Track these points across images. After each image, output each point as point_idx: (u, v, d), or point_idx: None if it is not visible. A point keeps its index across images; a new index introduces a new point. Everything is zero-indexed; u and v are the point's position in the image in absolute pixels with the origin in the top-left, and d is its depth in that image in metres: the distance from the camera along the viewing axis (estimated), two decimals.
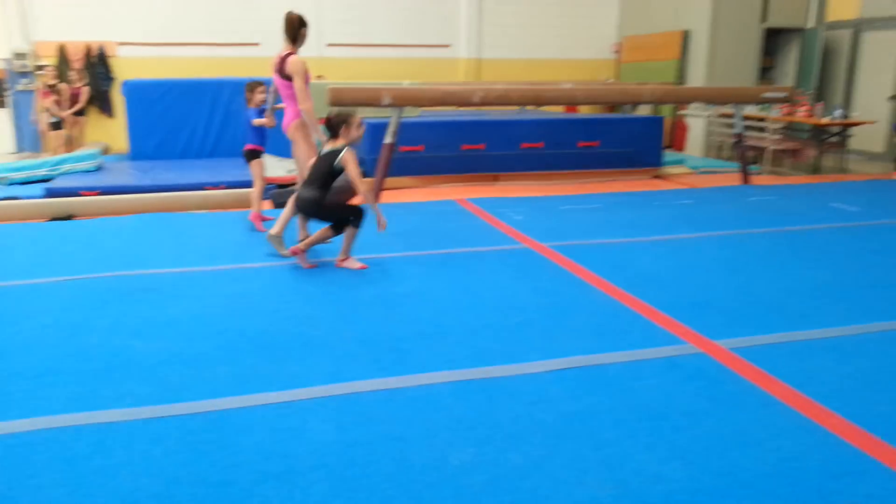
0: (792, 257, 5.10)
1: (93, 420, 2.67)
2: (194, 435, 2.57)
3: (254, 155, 6.00)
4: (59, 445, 2.50)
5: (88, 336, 3.52)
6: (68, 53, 12.12)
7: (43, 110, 10.40)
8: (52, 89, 10.34)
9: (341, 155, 4.53)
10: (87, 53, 12.19)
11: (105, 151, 10.17)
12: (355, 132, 4.65)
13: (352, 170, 4.52)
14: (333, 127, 4.65)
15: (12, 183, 7.70)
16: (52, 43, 12.07)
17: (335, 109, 4.86)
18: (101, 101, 12.40)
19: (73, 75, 10.96)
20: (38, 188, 7.27)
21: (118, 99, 11.88)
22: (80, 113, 10.75)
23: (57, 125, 10.36)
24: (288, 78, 5.16)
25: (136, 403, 2.81)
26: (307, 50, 14.18)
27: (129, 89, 9.55)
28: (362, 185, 4.57)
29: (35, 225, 6.22)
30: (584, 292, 4.25)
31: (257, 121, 5.87)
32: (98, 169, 8.27)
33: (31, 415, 2.72)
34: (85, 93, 10.80)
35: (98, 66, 12.26)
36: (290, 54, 5.18)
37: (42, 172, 7.89)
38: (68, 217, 6.52)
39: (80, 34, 12.13)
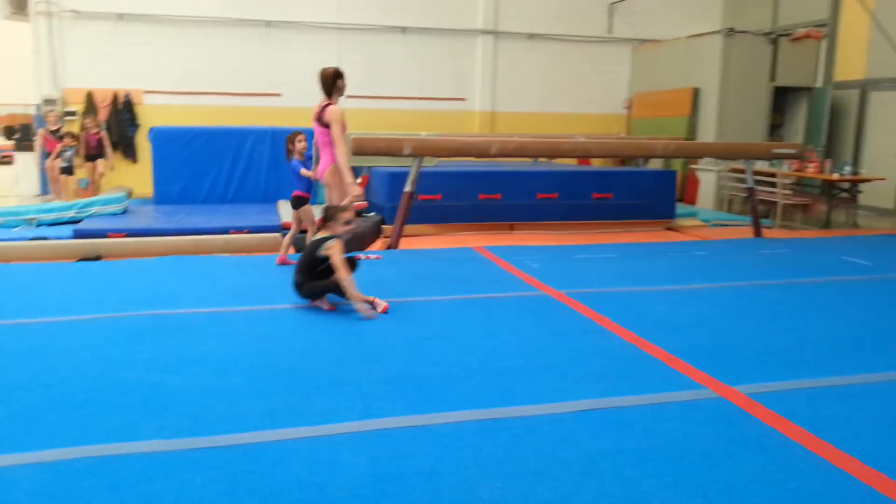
0: (806, 308, 5.20)
1: (136, 450, 2.78)
2: (233, 465, 2.68)
3: (301, 202, 6.26)
4: (105, 473, 2.61)
5: (124, 371, 3.65)
6: (96, 100, 12.54)
7: (55, 156, 10.54)
8: (53, 134, 10.63)
9: (325, 244, 4.77)
10: (114, 100, 12.60)
11: (129, 196, 10.44)
12: (341, 228, 4.92)
13: (335, 260, 4.74)
14: (324, 218, 4.96)
15: (41, 224, 7.93)
16: (81, 90, 12.51)
17: (330, 208, 5.11)
18: (125, 146, 12.77)
19: (88, 122, 11.11)
20: (67, 229, 7.49)
21: (143, 145, 12.23)
22: (98, 155, 10.94)
23: (68, 170, 10.57)
24: (326, 125, 5.43)
25: (176, 435, 2.92)
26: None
27: (155, 135, 9.86)
28: (344, 274, 4.75)
29: (65, 265, 6.40)
30: (602, 338, 4.36)
31: (305, 171, 6.16)
32: (124, 212, 8.51)
33: (76, 444, 2.83)
34: (105, 138, 11.04)
35: (124, 112, 12.66)
36: (328, 104, 5.48)
37: (70, 214, 8.13)
38: (97, 257, 6.71)
39: (108, 82, 12.58)
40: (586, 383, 3.57)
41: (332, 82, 5.54)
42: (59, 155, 10.50)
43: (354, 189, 5.46)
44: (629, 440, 2.93)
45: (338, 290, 4.80)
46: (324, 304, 4.89)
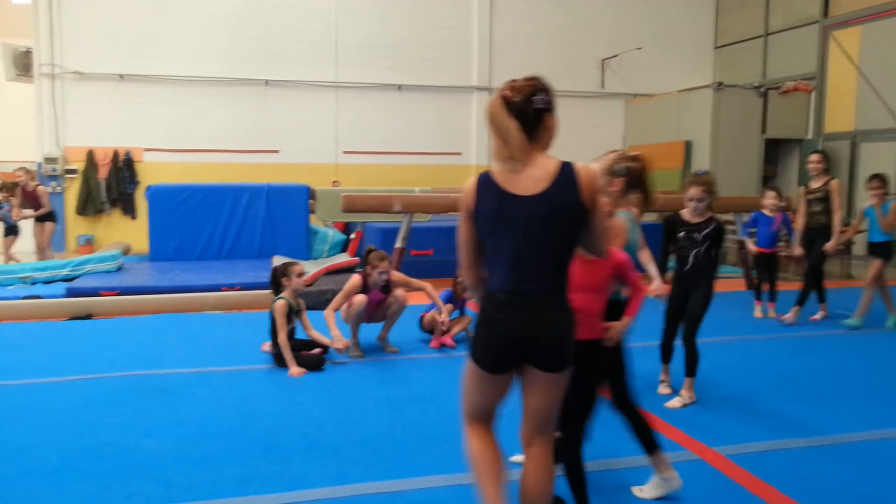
0: (794, 363, 5.17)
1: None
2: None
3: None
4: None
5: (101, 434, 3.63)
6: (97, 158, 12.74)
7: None
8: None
9: (274, 303, 4.87)
10: (115, 158, 12.80)
11: (126, 252, 10.51)
12: (296, 281, 4.99)
13: (278, 319, 4.79)
14: (279, 274, 5.01)
15: (35, 282, 7.96)
16: (82, 148, 12.72)
17: (279, 265, 5.12)
18: (125, 203, 12.92)
19: (21, 175, 9.49)
20: (60, 287, 7.52)
21: (142, 202, 12.36)
22: (45, 217, 9.65)
23: (12, 230, 9.62)
24: None
25: (144, 502, 2.89)
26: (325, 156, 14.71)
27: (152, 194, 9.97)
28: (282, 336, 4.78)
29: (55, 324, 6.42)
30: None
31: None
32: (119, 269, 8.55)
33: None
34: (43, 194, 9.63)
35: (124, 170, 12.84)
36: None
37: (65, 272, 8.17)
38: (87, 316, 6.73)
39: (109, 140, 12.80)
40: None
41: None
42: None
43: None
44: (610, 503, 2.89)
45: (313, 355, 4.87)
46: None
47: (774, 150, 13.05)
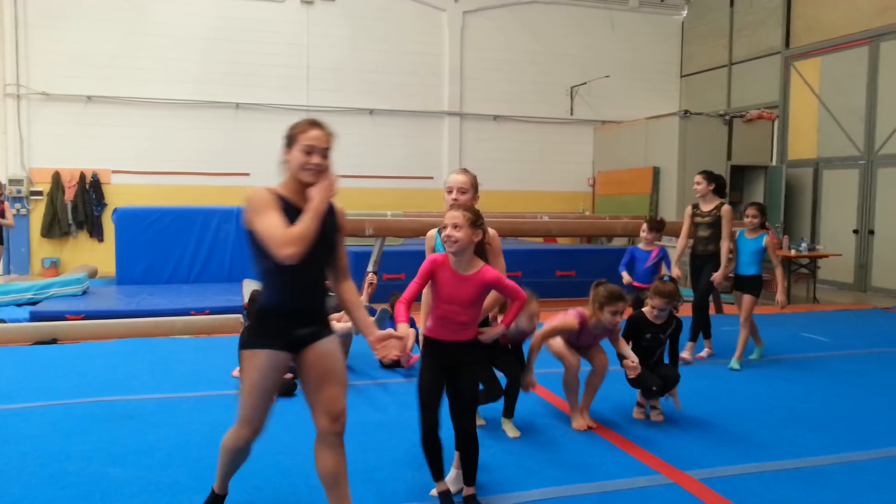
0: (763, 388, 5.23)
1: None
2: None
3: None
4: None
5: (66, 463, 3.54)
6: (63, 179, 12.54)
7: None
8: None
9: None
10: (81, 180, 12.61)
11: (93, 275, 10.32)
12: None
13: None
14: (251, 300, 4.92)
15: None
16: (48, 170, 12.52)
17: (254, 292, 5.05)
18: (91, 225, 12.72)
19: None
20: (24, 311, 7.35)
21: (109, 224, 12.17)
22: None
23: None
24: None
25: None
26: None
27: (119, 216, 9.83)
28: None
29: (18, 349, 6.26)
30: (560, 421, 4.34)
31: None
32: (84, 293, 8.39)
33: None
34: (7, 209, 9.16)
35: (91, 192, 12.66)
36: None
37: (28, 296, 7.99)
38: (52, 341, 6.57)
39: (75, 162, 12.63)
40: (547, 471, 3.53)
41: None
42: None
43: None
44: None
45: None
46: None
47: (739, 177, 13.32)
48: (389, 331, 2.68)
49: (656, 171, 13.11)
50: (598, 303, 4.11)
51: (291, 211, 2.47)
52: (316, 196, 2.47)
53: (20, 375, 5.27)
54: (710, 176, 6.22)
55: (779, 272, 6.10)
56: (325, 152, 2.52)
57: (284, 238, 2.38)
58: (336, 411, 2.66)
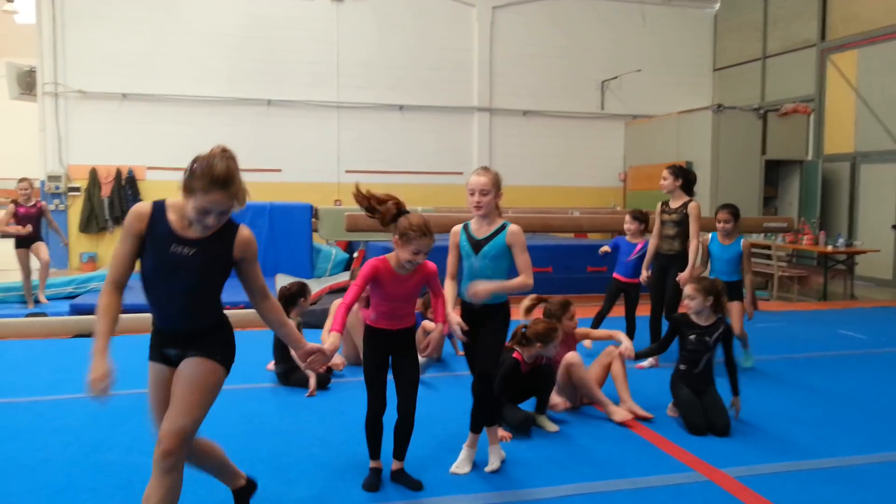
0: (799, 386, 5.16)
1: None
2: None
3: None
4: None
5: (108, 453, 3.62)
6: (99, 176, 12.78)
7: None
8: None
9: None
10: (117, 176, 12.84)
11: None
12: (305, 302, 5.05)
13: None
14: (291, 301, 4.98)
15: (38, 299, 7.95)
16: (85, 166, 12.76)
17: (295, 285, 5.10)
18: None
19: (22, 190, 7.97)
20: (65, 305, 7.52)
21: None
22: (34, 239, 7.90)
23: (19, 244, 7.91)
24: None
25: None
26: (327, 176, 14.77)
27: None
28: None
29: (59, 341, 6.41)
30: (592, 418, 4.33)
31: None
32: None
33: None
34: (46, 211, 8.17)
35: (126, 188, 12.88)
36: None
37: (69, 290, 8.17)
38: (92, 334, 6.71)
39: (112, 158, 12.83)
40: (576, 467, 3.53)
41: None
42: None
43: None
44: None
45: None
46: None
47: (774, 172, 13.11)
48: (316, 346, 2.82)
49: (688, 166, 12.94)
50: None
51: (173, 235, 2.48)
52: None
53: (62, 367, 5.39)
54: (677, 171, 5.84)
55: (748, 279, 5.67)
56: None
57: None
58: (161, 435, 2.48)
